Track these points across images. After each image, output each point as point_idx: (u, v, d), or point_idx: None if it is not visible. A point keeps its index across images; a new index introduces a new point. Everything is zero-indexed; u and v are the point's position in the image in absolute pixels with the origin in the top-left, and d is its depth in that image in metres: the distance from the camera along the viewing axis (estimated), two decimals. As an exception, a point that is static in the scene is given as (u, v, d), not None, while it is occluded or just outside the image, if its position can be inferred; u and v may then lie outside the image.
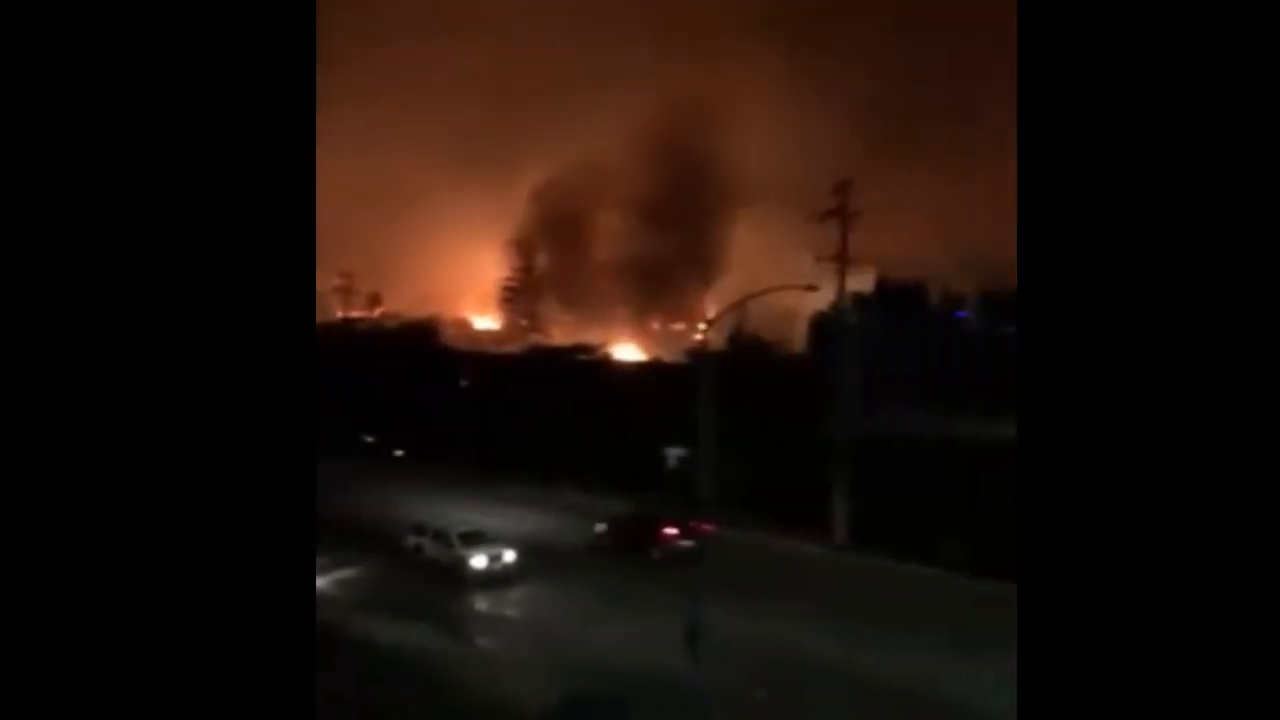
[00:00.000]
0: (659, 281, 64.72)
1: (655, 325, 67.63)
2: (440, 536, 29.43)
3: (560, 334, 65.56)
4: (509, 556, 28.82)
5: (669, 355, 54.24)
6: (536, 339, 65.39)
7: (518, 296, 73.16)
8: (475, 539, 29.30)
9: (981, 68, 60.03)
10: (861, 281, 40.04)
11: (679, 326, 65.21)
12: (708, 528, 31.58)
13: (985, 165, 55.91)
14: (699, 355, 42.32)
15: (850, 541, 33.84)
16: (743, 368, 40.49)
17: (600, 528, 32.75)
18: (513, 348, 61.06)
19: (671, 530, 31.22)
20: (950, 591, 28.62)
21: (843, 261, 34.52)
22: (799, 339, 46.24)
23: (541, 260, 73.55)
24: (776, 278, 39.84)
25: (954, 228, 53.11)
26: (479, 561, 28.28)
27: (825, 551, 33.51)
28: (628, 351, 61.40)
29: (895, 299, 42.96)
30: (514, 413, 48.76)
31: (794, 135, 60.74)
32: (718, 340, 44.42)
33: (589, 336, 59.46)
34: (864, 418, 34.14)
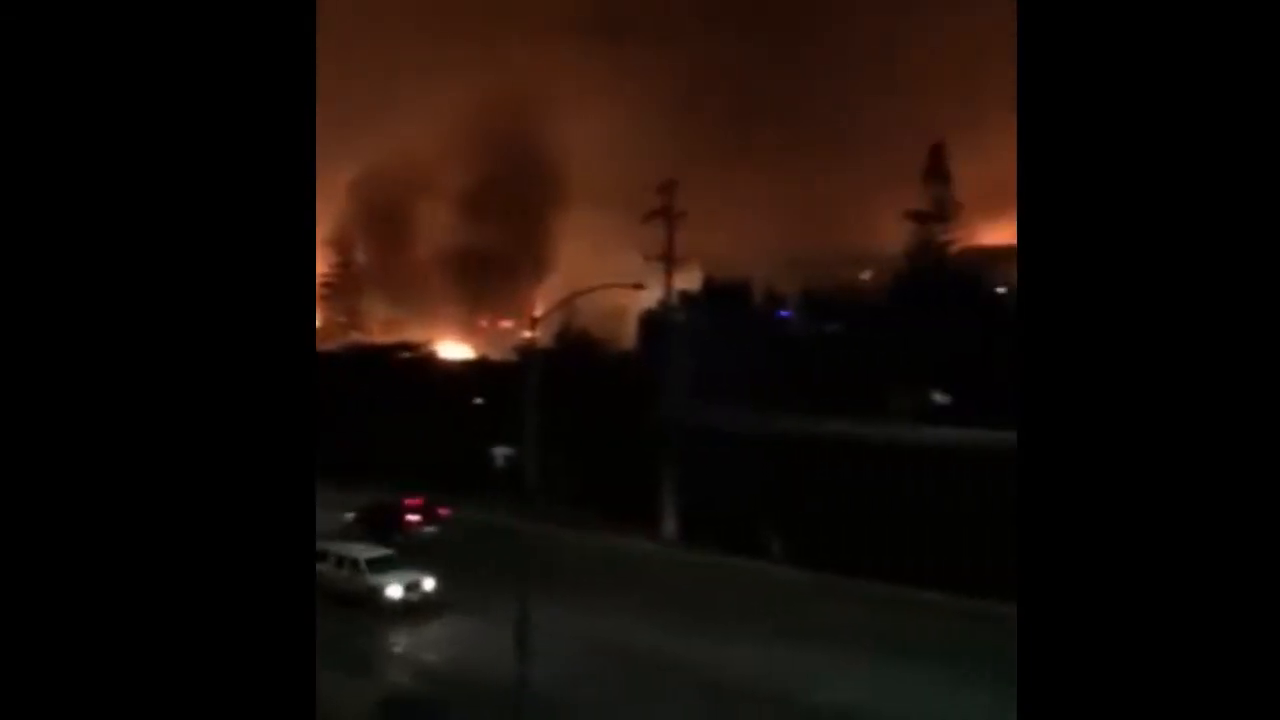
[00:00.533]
0: (486, 278, 63.60)
1: (483, 323, 66.46)
2: (345, 563, 26.47)
3: (384, 332, 63.36)
4: (428, 584, 26.28)
5: (497, 353, 53.34)
6: (357, 337, 62.93)
7: (336, 294, 70.12)
8: (386, 565, 26.66)
9: (806, 67, 62.30)
10: (689, 280, 40.63)
11: (507, 324, 64.26)
12: (445, 511, 34.58)
13: (806, 165, 58.05)
14: (527, 353, 41.76)
15: (679, 537, 34.10)
16: (572, 365, 40.23)
17: (349, 516, 34.00)
18: (331, 346, 58.50)
19: (414, 517, 33.81)
20: (772, 585, 29.25)
21: (669, 260, 34.79)
22: (629, 337, 46.45)
23: (361, 256, 70.86)
24: (605, 276, 39.67)
25: (778, 228, 54.66)
26: (395, 591, 25.69)
27: (654, 548, 33.63)
28: (455, 349, 60.04)
29: (721, 298, 43.79)
30: (331, 412, 46.59)
31: (621, 134, 61.02)
32: (547, 338, 43.98)
33: (415, 334, 57.80)
34: (691, 415, 34.51)
